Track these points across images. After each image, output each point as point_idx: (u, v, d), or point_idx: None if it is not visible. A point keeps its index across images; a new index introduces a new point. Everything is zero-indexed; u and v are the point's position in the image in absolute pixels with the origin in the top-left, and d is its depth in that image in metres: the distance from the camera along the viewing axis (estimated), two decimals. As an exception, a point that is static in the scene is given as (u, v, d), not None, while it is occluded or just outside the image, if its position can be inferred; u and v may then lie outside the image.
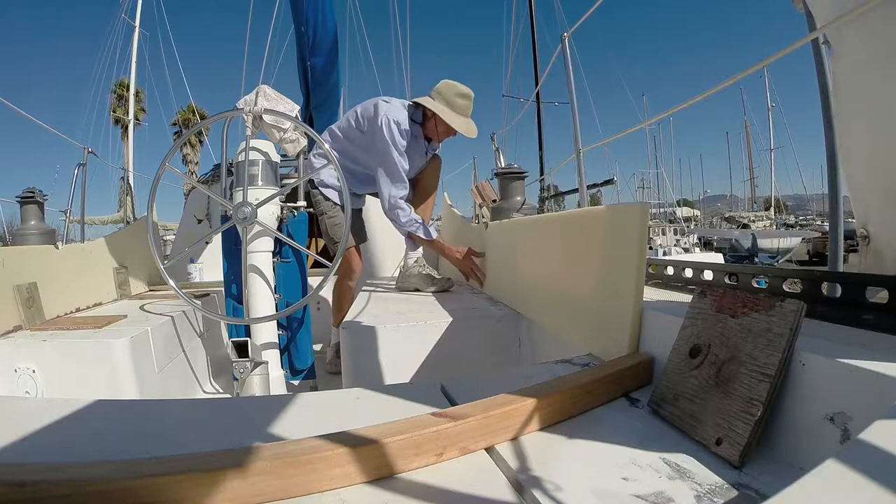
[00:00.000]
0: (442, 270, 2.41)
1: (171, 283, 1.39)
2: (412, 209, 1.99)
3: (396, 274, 2.24)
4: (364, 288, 2.24)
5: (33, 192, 2.24)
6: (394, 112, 1.91)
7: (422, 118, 2.01)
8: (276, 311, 1.57)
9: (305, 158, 1.81)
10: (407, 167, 1.95)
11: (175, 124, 19.56)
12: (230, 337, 1.52)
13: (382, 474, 0.54)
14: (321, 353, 2.36)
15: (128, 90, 16.41)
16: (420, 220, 1.97)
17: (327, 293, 2.25)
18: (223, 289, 1.88)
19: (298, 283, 1.85)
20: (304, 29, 2.90)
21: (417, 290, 2.04)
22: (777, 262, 16.65)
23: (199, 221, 3.12)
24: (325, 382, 1.97)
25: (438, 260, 2.53)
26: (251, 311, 1.48)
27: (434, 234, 2.01)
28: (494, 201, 2.43)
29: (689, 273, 1.17)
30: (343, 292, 2.17)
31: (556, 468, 0.55)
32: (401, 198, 1.94)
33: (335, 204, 2.04)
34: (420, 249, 2.12)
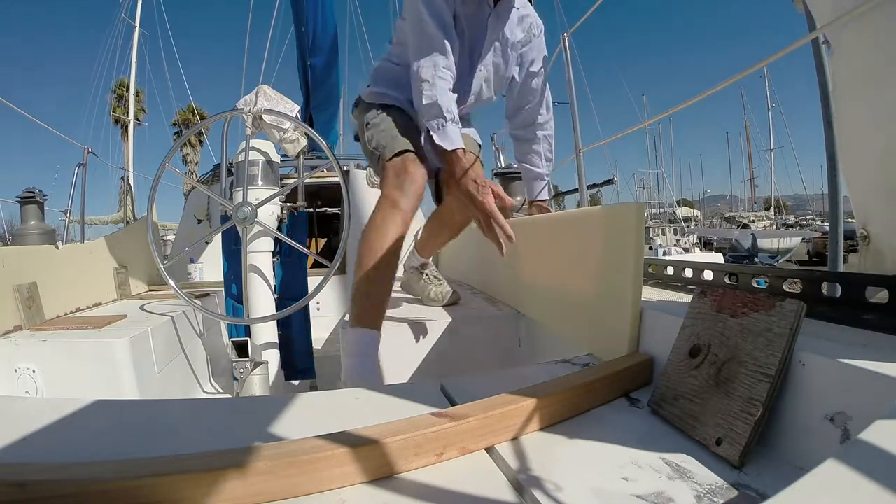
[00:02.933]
0: (443, 267, 2.39)
1: (171, 283, 1.40)
2: (445, 85, 1.20)
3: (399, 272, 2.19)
4: None
5: (33, 192, 2.24)
6: None
7: None
8: (276, 311, 1.57)
9: (307, 157, 1.79)
10: (440, 25, 1.22)
11: (175, 124, 19.62)
12: (230, 337, 1.52)
13: (382, 474, 0.53)
14: (321, 353, 2.36)
15: (128, 90, 16.47)
16: (446, 112, 1.17)
17: (327, 293, 2.25)
18: (223, 289, 1.88)
19: (298, 283, 1.86)
20: (304, 29, 2.91)
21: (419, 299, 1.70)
22: (777, 262, 16.66)
23: (199, 221, 3.12)
24: (326, 383, 1.97)
25: (439, 258, 2.46)
26: (251, 311, 1.48)
27: (458, 143, 1.18)
28: (494, 201, 2.42)
29: (689, 273, 1.17)
30: (382, 236, 1.22)
31: (556, 468, 0.55)
32: (427, 66, 1.20)
33: (380, 107, 1.38)
34: (420, 246, 1.66)
